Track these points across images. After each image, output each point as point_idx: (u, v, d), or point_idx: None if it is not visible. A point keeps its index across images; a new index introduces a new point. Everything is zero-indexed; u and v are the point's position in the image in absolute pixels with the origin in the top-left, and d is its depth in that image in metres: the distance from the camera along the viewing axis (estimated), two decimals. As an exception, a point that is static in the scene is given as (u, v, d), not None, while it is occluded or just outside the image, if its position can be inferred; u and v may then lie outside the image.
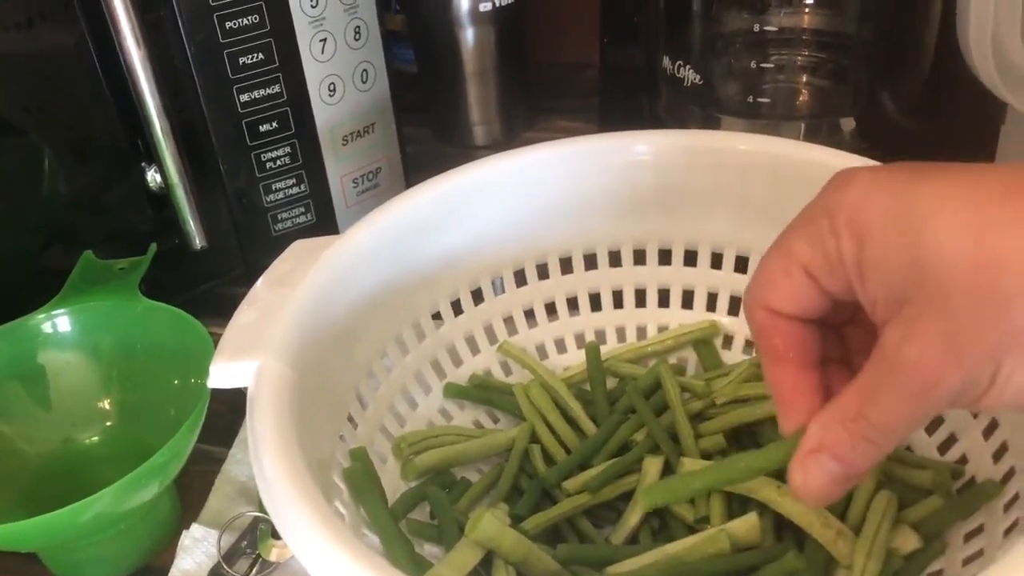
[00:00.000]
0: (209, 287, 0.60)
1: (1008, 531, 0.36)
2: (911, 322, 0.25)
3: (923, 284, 0.25)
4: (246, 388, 0.52)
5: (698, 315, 0.50)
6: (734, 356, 0.49)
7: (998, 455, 0.39)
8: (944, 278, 0.24)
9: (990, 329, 0.24)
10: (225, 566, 0.44)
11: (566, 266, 0.50)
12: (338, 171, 0.61)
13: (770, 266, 0.30)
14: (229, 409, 0.52)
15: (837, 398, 0.28)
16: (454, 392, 0.47)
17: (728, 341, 0.49)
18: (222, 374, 0.36)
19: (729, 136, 0.48)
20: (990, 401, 0.26)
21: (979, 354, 0.25)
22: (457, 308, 0.48)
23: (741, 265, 0.49)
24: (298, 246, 0.42)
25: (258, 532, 0.46)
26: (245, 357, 0.36)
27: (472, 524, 0.37)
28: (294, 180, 0.59)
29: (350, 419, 0.42)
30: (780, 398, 0.31)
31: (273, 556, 0.45)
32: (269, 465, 0.31)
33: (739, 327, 0.49)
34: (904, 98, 0.57)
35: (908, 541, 0.38)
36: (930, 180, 0.26)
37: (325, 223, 0.61)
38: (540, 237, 0.49)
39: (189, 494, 0.48)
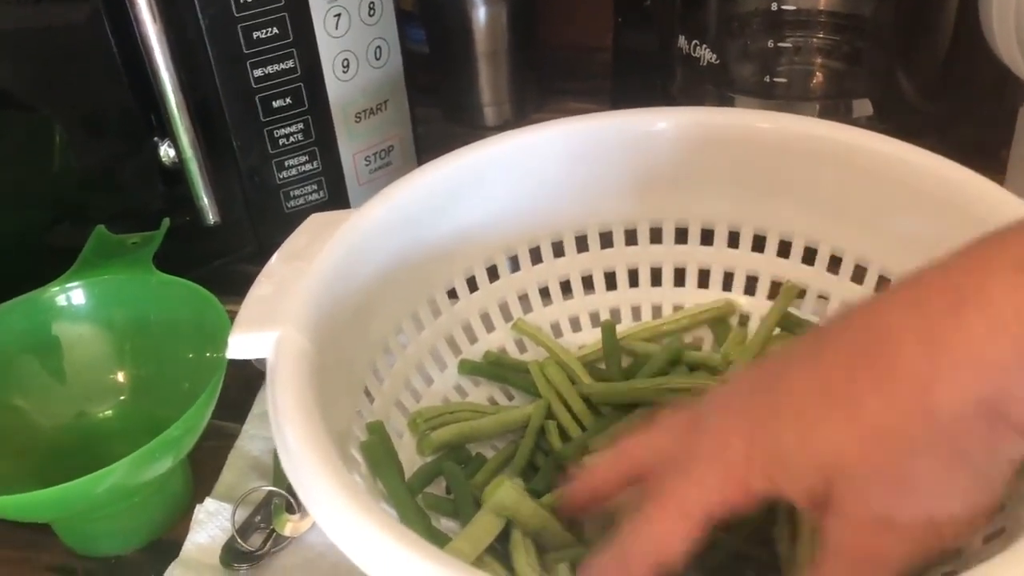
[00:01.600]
0: (220, 264, 0.60)
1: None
2: (839, 510, 0.28)
3: (839, 486, 0.28)
4: (258, 361, 0.53)
5: (714, 294, 0.50)
6: (750, 336, 0.48)
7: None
8: (853, 472, 0.28)
9: (901, 498, 0.27)
10: (239, 540, 0.44)
11: (581, 244, 0.50)
12: (351, 148, 0.60)
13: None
14: (241, 385, 0.52)
15: None
16: (469, 369, 0.47)
17: (744, 320, 0.49)
18: (241, 345, 0.35)
19: (746, 113, 0.47)
20: (938, 544, 0.28)
21: (905, 518, 0.27)
22: (472, 285, 0.48)
23: (758, 244, 0.48)
24: (314, 220, 0.42)
25: (272, 507, 0.46)
26: (264, 328, 0.35)
27: (490, 491, 0.37)
28: (307, 157, 0.59)
29: (366, 393, 0.42)
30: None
31: (287, 530, 0.45)
32: (291, 434, 0.31)
33: (755, 306, 0.49)
34: (921, 79, 0.57)
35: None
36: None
37: (337, 200, 0.61)
38: (555, 214, 0.49)
39: (201, 469, 0.48)
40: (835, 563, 0.29)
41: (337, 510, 0.29)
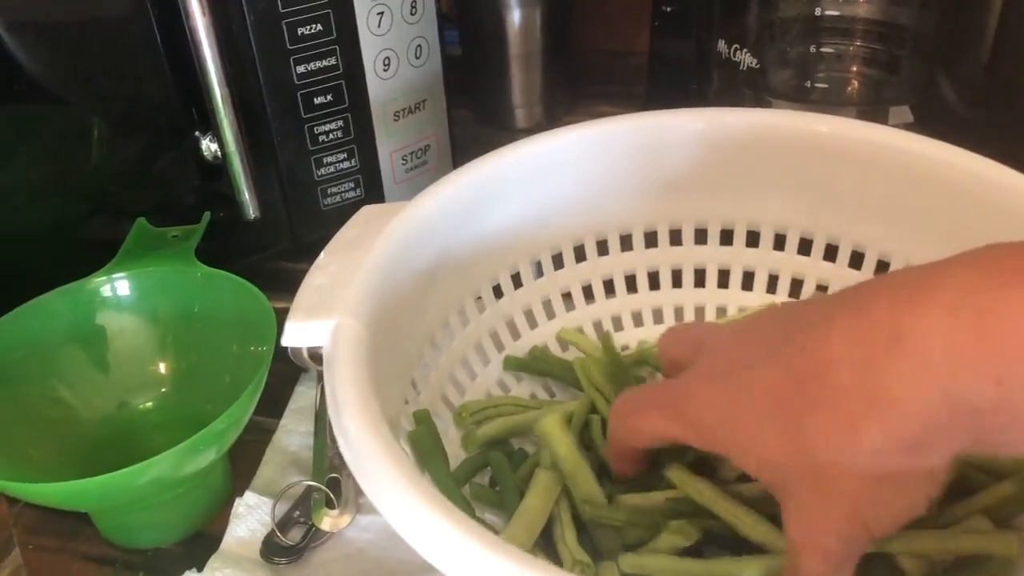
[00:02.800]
0: (255, 260, 0.60)
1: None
2: (784, 505, 0.31)
3: (783, 484, 0.31)
4: (295, 356, 0.53)
5: (758, 297, 0.49)
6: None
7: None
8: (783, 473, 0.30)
9: (835, 500, 0.29)
10: (279, 534, 0.44)
11: (626, 243, 0.50)
12: (388, 147, 0.60)
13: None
14: (279, 381, 0.52)
15: None
16: (514, 364, 0.47)
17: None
18: (297, 332, 0.35)
19: (795, 115, 0.47)
20: (884, 530, 0.30)
21: (837, 521, 0.29)
22: (517, 281, 0.48)
23: (804, 247, 0.48)
24: (366, 211, 0.42)
25: (311, 501, 0.45)
26: (321, 316, 0.35)
27: (538, 421, 0.40)
28: (345, 155, 0.59)
29: (413, 386, 0.42)
30: None
31: (326, 526, 0.45)
32: (351, 422, 0.31)
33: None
34: (962, 87, 0.56)
35: (980, 526, 0.37)
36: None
37: (373, 199, 0.61)
38: (601, 213, 0.49)
39: (240, 464, 0.48)
40: (794, 557, 0.31)
41: (397, 494, 0.29)
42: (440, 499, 0.29)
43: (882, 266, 0.46)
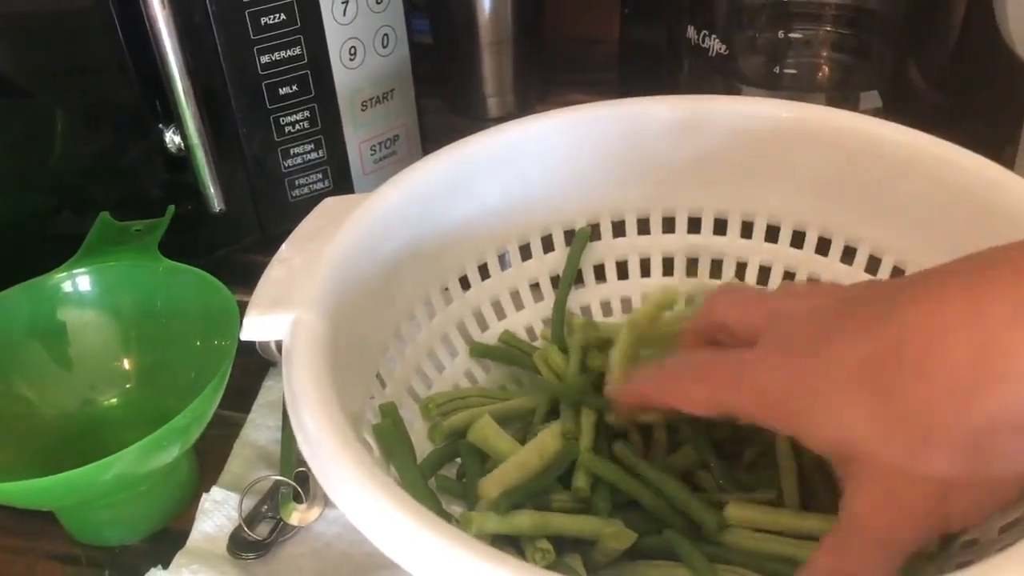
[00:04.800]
0: (223, 253, 0.59)
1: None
2: (855, 479, 0.29)
3: (857, 458, 0.29)
4: (263, 351, 0.52)
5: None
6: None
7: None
8: (874, 445, 0.28)
9: (920, 482, 0.28)
10: (246, 529, 0.44)
11: (594, 233, 0.50)
12: (356, 137, 0.60)
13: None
14: (247, 374, 0.51)
15: (814, 556, 0.31)
16: (480, 351, 0.47)
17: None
18: (256, 326, 0.35)
19: (753, 102, 0.47)
20: (947, 530, 0.29)
21: (920, 503, 0.28)
22: (484, 272, 0.48)
23: (772, 235, 0.48)
24: (328, 204, 0.41)
25: (279, 496, 0.45)
26: (280, 310, 0.35)
27: (471, 427, 0.41)
28: (312, 145, 0.58)
29: (378, 378, 0.41)
30: None
31: (294, 520, 0.44)
32: (308, 417, 0.31)
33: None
34: (930, 72, 0.56)
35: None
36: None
37: (342, 189, 0.60)
38: (567, 203, 0.48)
39: (207, 459, 0.48)
40: (848, 532, 0.30)
41: (354, 490, 0.28)
42: (400, 495, 0.28)
43: (873, 261, 0.45)
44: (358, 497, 0.28)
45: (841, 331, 0.29)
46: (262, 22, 0.53)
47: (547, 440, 0.40)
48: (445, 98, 0.77)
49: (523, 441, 0.43)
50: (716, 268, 0.50)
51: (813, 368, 0.30)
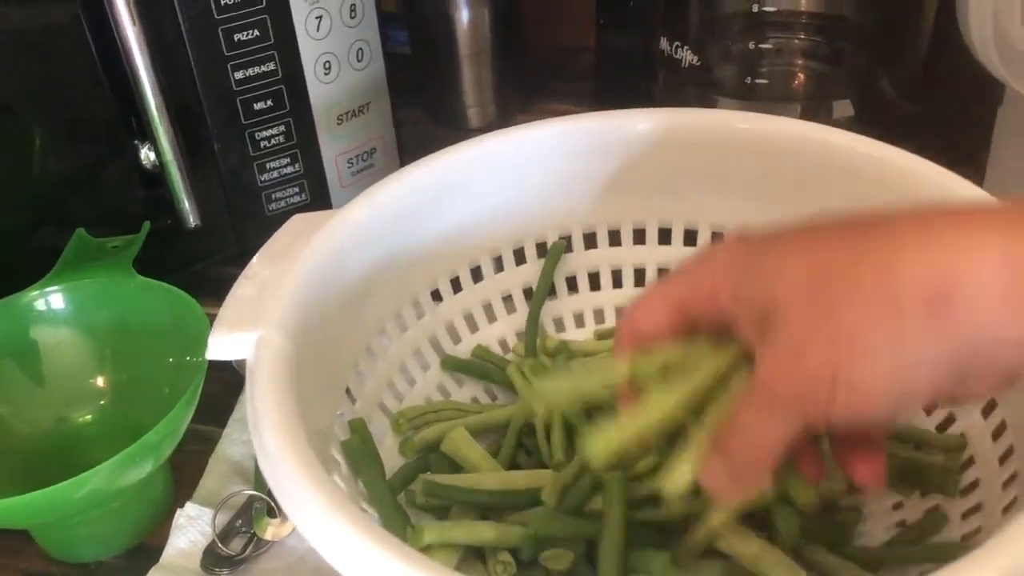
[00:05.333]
0: (202, 267, 0.60)
1: (1007, 509, 0.36)
2: (765, 345, 0.29)
3: (776, 315, 0.28)
4: (239, 365, 0.52)
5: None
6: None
7: (997, 434, 0.39)
8: (790, 304, 0.28)
9: (823, 330, 0.27)
10: (220, 544, 0.44)
11: (567, 244, 0.50)
12: (333, 151, 0.60)
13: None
14: (223, 389, 0.51)
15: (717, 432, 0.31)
16: (453, 365, 0.47)
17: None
18: (221, 346, 0.35)
19: (728, 115, 0.47)
20: (840, 408, 0.28)
21: (816, 355, 0.27)
22: (456, 286, 0.48)
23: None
24: (297, 220, 0.42)
25: (253, 511, 0.45)
26: (244, 329, 0.35)
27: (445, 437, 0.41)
28: (288, 159, 0.58)
29: (348, 394, 0.42)
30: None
31: (268, 535, 0.45)
32: (270, 436, 0.31)
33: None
34: (901, 81, 0.57)
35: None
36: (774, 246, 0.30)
37: (319, 203, 0.61)
38: (539, 215, 0.49)
39: (183, 474, 0.48)
40: (758, 396, 0.30)
41: (313, 510, 0.29)
42: (357, 515, 0.29)
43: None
44: (315, 517, 0.29)
45: (798, 238, 0.30)
46: (235, 38, 0.53)
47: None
48: (425, 109, 0.78)
49: (495, 454, 0.43)
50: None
51: (768, 250, 0.30)
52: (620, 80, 0.68)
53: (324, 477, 0.30)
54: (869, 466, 0.32)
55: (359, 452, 0.39)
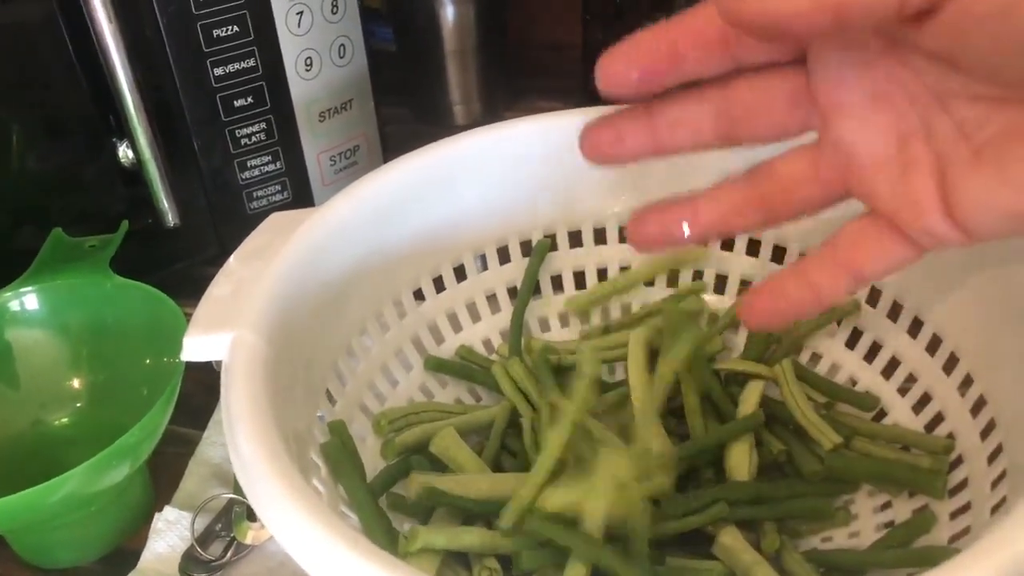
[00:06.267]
0: (182, 267, 0.59)
1: (995, 508, 0.36)
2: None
3: None
4: (218, 366, 0.52)
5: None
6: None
7: (986, 432, 0.39)
8: None
9: None
10: (199, 549, 0.43)
11: (551, 244, 0.49)
12: (315, 148, 0.59)
13: None
14: (203, 390, 0.50)
15: None
16: (436, 365, 0.46)
17: (713, 319, 0.49)
18: (196, 347, 0.35)
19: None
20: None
21: None
22: (439, 285, 0.47)
23: (727, 244, 0.48)
24: (275, 219, 0.41)
25: (233, 514, 0.45)
26: (219, 329, 0.34)
27: (434, 438, 0.41)
28: (270, 157, 0.58)
29: (328, 396, 0.41)
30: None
31: (248, 539, 0.44)
32: (243, 439, 0.30)
33: (727, 305, 0.48)
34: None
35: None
36: None
37: (301, 201, 0.60)
38: (524, 213, 0.48)
39: (162, 477, 0.47)
40: None
41: (286, 515, 0.28)
42: (333, 521, 0.28)
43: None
44: (288, 521, 0.28)
45: None
46: (214, 34, 0.52)
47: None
48: (410, 106, 0.77)
49: (480, 453, 0.42)
50: (672, 277, 0.50)
51: None
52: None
53: (299, 481, 0.29)
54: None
55: (339, 455, 0.38)
